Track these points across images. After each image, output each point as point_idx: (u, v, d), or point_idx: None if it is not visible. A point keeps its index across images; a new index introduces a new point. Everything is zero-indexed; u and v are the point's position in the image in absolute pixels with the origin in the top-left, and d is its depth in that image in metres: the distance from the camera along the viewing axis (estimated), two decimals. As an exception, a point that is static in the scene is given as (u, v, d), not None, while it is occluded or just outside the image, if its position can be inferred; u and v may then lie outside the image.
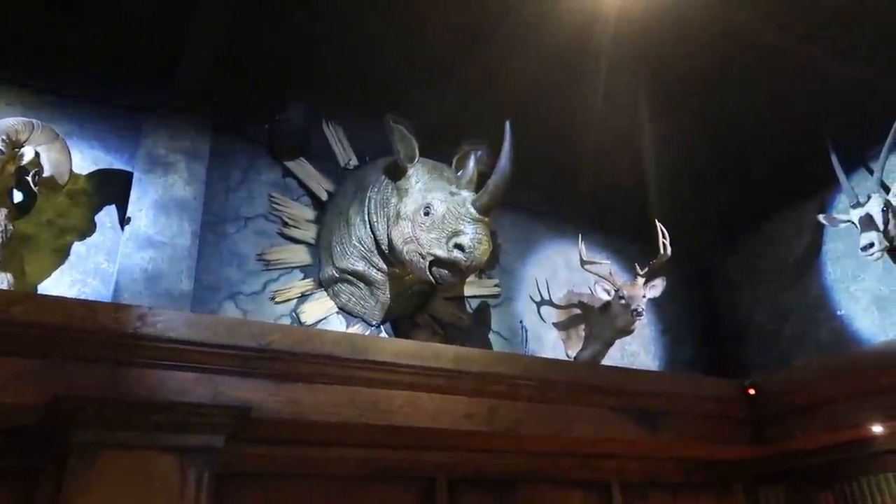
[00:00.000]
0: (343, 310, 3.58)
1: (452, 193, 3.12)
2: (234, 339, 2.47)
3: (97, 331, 2.27)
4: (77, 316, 2.26)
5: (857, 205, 3.84)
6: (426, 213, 3.12)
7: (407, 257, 3.20)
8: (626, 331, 3.99)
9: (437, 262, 3.08)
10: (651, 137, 4.35)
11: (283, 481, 2.85)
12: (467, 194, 3.10)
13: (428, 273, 3.12)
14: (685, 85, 4.01)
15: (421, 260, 3.12)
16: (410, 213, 3.18)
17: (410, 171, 3.31)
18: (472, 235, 2.97)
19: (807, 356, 4.49)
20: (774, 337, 4.79)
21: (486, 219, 3.04)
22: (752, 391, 3.82)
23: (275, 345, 2.54)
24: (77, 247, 3.04)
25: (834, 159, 4.14)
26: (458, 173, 3.40)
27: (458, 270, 3.05)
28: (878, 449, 3.65)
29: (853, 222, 3.86)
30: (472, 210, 3.01)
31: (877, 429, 3.50)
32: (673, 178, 4.68)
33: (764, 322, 4.89)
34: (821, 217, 4.16)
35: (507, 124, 2.99)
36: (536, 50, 3.64)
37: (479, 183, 3.26)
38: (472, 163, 3.33)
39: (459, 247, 2.98)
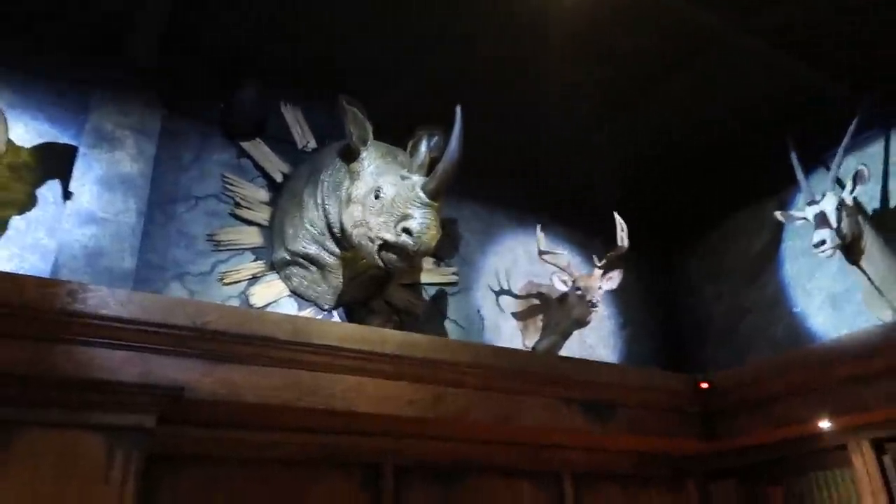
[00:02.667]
0: (295, 293, 3.53)
1: (403, 177, 3.09)
2: (168, 317, 2.42)
3: (23, 305, 2.20)
4: (3, 289, 2.19)
5: (813, 202, 3.86)
6: (376, 197, 3.08)
7: (356, 241, 3.16)
8: (582, 322, 3.99)
9: (385, 246, 3.04)
10: (614, 131, 4.34)
11: (221, 465, 2.80)
12: (417, 178, 3.07)
13: (377, 257, 3.09)
14: (649, 80, 4.01)
15: (370, 244, 3.08)
16: (361, 197, 3.14)
17: (363, 154, 3.27)
18: (420, 220, 2.94)
19: (761, 354, 4.52)
20: (732, 333, 4.82)
21: (436, 203, 3.00)
22: (704, 385, 3.84)
23: (211, 325, 2.49)
24: (16, 221, 2.96)
25: (794, 158, 4.16)
26: (412, 157, 3.36)
27: (407, 255, 3.01)
28: (827, 445, 3.69)
29: (808, 219, 3.88)
30: (422, 194, 2.97)
31: (826, 424, 3.53)
32: (635, 173, 4.69)
33: (723, 318, 4.92)
34: (777, 214, 4.18)
35: (458, 109, 2.96)
36: (497, 41, 3.61)
37: (432, 168, 3.22)
38: (424, 147, 3.29)
39: (407, 231, 2.95)
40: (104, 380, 2.27)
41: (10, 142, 2.84)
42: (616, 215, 4.10)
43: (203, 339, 2.47)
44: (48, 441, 2.16)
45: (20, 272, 2.83)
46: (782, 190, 4.61)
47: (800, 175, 4.13)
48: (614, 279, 4.10)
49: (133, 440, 2.28)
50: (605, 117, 4.30)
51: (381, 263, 3.10)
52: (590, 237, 4.94)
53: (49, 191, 3.08)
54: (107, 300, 2.34)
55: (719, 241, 5.05)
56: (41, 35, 3.22)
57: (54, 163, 3.11)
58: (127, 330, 2.34)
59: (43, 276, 2.83)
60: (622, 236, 4.04)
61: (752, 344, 4.65)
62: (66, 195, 3.03)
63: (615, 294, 4.56)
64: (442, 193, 3.02)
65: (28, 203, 3.00)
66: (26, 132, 3.10)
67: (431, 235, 2.96)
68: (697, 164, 4.67)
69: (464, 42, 3.63)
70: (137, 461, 2.26)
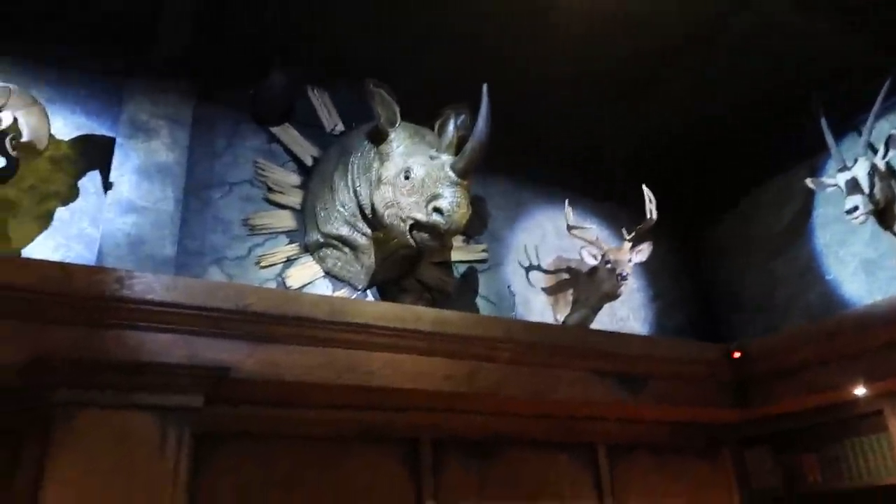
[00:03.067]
0: (329, 274, 3.61)
1: (432, 157, 3.12)
2: (211, 301, 2.50)
3: (75, 293, 2.30)
4: (55, 278, 2.29)
5: (844, 168, 3.82)
6: (406, 178, 3.12)
7: (388, 221, 3.21)
8: (613, 295, 4.01)
9: (417, 225, 3.09)
10: (639, 103, 4.31)
11: (265, 441, 2.90)
12: (446, 158, 3.10)
13: (409, 237, 3.14)
14: (676, 49, 3.97)
15: (401, 224, 3.14)
16: (391, 178, 3.19)
17: (392, 136, 3.31)
18: (450, 199, 2.98)
19: (796, 322, 4.50)
20: (764, 303, 4.80)
21: (465, 182, 3.04)
22: (736, 355, 3.85)
23: (252, 307, 2.57)
24: (61, 212, 3.07)
25: (824, 124, 4.10)
26: (440, 137, 3.39)
27: (438, 234, 3.06)
28: (862, 411, 3.69)
29: (840, 186, 3.83)
30: (451, 173, 3.01)
31: (861, 391, 3.53)
32: (662, 145, 4.65)
33: (754, 288, 4.90)
34: (808, 181, 4.13)
35: (484, 87, 2.98)
36: (519, 16, 3.60)
37: (461, 146, 3.25)
38: (451, 127, 3.32)
39: (438, 210, 2.99)
40: (154, 362, 2.36)
41: (50, 135, 2.92)
42: (644, 188, 4.09)
43: (245, 320, 2.54)
44: (106, 421, 2.27)
45: (68, 262, 2.94)
46: (813, 157, 4.55)
47: (830, 141, 4.07)
48: (644, 252, 4.10)
49: (183, 419, 2.38)
50: (630, 90, 4.27)
51: (413, 243, 3.15)
52: (618, 210, 4.94)
53: (90, 182, 3.17)
54: (152, 286, 2.43)
55: (749, 211, 5.01)
56: (74, 28, 3.30)
57: (94, 154, 3.20)
58: (173, 314, 2.42)
59: (89, 264, 2.94)
60: (651, 208, 4.04)
61: (785, 313, 4.63)
62: (107, 185, 3.12)
63: (645, 266, 4.57)
64: (471, 172, 3.05)
65: (71, 194, 3.11)
66: (65, 125, 3.20)
67: (462, 214, 3.00)
68: (726, 134, 4.62)
69: (485, 19, 3.63)
70: (188, 438, 2.37)
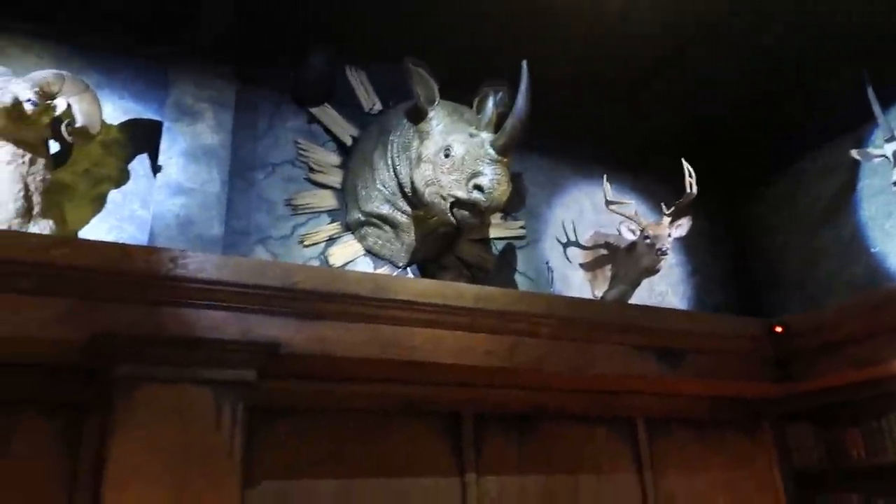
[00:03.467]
0: (370, 252, 3.67)
1: (472, 135, 3.14)
2: (261, 279, 2.57)
3: (132, 272, 2.38)
4: (113, 258, 2.38)
5: (892, 139, 3.73)
6: (446, 156, 3.15)
7: (429, 199, 3.25)
8: (652, 270, 4.00)
9: (457, 203, 3.12)
10: (677, 75, 4.24)
11: (313, 415, 3.00)
12: (486, 135, 3.12)
13: (449, 214, 3.17)
14: (714, 16, 3.88)
15: (442, 202, 3.17)
16: (431, 156, 3.21)
17: (431, 114, 3.33)
18: (490, 176, 3.00)
19: (839, 297, 4.44)
20: (806, 277, 4.73)
21: (505, 159, 3.06)
22: (778, 329, 3.82)
23: (300, 284, 2.63)
24: (113, 194, 3.17)
25: (871, 92, 4.00)
26: (479, 115, 3.40)
27: (479, 211, 3.09)
28: (905, 385, 3.65)
29: (887, 156, 3.75)
30: (491, 151, 3.03)
31: (904, 365, 3.48)
32: (702, 117, 4.58)
33: (796, 262, 4.83)
34: (853, 152, 4.05)
35: (524, 65, 2.97)
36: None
37: (499, 123, 3.26)
38: (490, 104, 3.33)
39: (479, 188, 3.02)
40: (209, 338, 2.44)
41: (102, 120, 3.01)
42: (684, 161, 4.05)
43: (293, 298, 2.61)
44: (164, 395, 2.36)
45: (120, 242, 3.05)
46: (858, 127, 4.44)
47: (877, 110, 3.97)
48: (683, 226, 4.08)
49: (237, 393, 2.47)
50: (666, 63, 4.21)
51: (453, 221, 3.19)
52: (656, 185, 4.90)
53: (139, 165, 3.27)
54: (204, 265, 2.50)
55: (791, 184, 4.92)
56: (120, 14, 3.37)
57: (142, 138, 3.29)
58: (225, 292, 2.50)
59: (142, 244, 3.04)
60: (691, 182, 4.00)
61: (828, 287, 4.57)
62: (155, 168, 3.22)
63: (684, 241, 4.54)
64: (511, 149, 3.06)
65: (122, 177, 3.21)
66: (114, 110, 3.29)
67: (502, 191, 3.02)
68: (767, 105, 4.52)
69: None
70: (242, 411, 2.46)
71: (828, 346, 3.65)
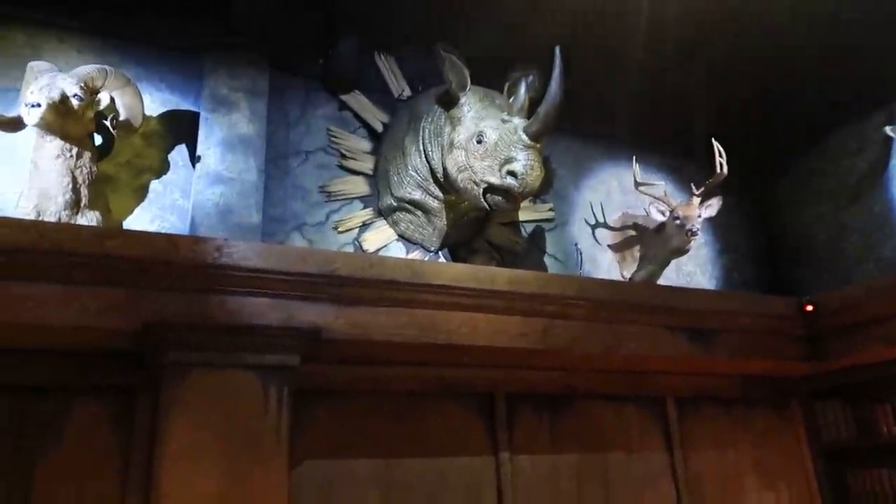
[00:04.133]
0: (403, 237, 3.73)
1: (504, 121, 3.17)
2: (302, 266, 2.64)
3: (179, 262, 2.46)
4: (161, 248, 2.46)
5: (926, 116, 3.69)
6: (479, 142, 3.18)
7: (461, 185, 3.30)
8: (681, 251, 4.02)
9: (490, 189, 3.17)
10: (703, 53, 4.20)
11: (354, 397, 3.09)
12: (519, 121, 3.14)
13: (482, 200, 3.22)
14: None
15: (475, 187, 3.21)
16: (463, 142, 3.25)
17: (462, 100, 3.36)
18: (524, 162, 3.03)
19: (869, 274, 4.43)
20: (836, 255, 4.71)
21: (538, 145, 3.08)
22: (809, 308, 3.83)
23: (339, 271, 2.70)
24: (154, 185, 3.25)
25: (904, 68, 3.95)
26: (510, 100, 3.42)
27: (512, 197, 3.13)
28: (937, 363, 3.65)
29: (921, 134, 3.72)
30: (524, 137, 3.06)
31: (938, 343, 3.49)
32: (730, 95, 4.55)
33: (826, 240, 4.80)
34: (887, 129, 4.01)
35: (557, 50, 2.99)
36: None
37: (531, 109, 3.28)
38: (522, 89, 3.35)
39: (512, 173, 3.05)
40: (254, 324, 2.53)
41: (144, 113, 3.09)
42: (714, 141, 4.04)
43: (333, 284, 2.68)
44: (212, 380, 2.45)
45: (163, 231, 3.14)
46: (891, 102, 4.40)
47: (911, 87, 3.93)
48: (713, 206, 4.07)
49: (282, 377, 2.56)
50: (694, 43, 4.17)
51: (486, 206, 3.23)
52: (683, 165, 4.90)
53: (178, 155, 3.35)
54: (248, 253, 2.58)
55: (821, 160, 4.87)
56: (153, 5, 3.42)
57: (180, 129, 3.36)
58: (268, 279, 2.57)
59: (183, 233, 3.13)
60: (721, 162, 3.99)
61: (858, 265, 4.55)
62: (194, 158, 3.29)
63: (712, 220, 4.53)
64: (544, 135, 3.09)
65: (162, 168, 3.29)
66: (152, 102, 3.36)
67: (536, 176, 3.06)
68: (795, 80, 4.46)
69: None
70: (287, 394, 2.55)
71: (857, 324, 3.66)
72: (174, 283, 2.47)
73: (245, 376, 2.50)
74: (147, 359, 2.58)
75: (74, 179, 2.76)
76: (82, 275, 2.36)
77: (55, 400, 2.59)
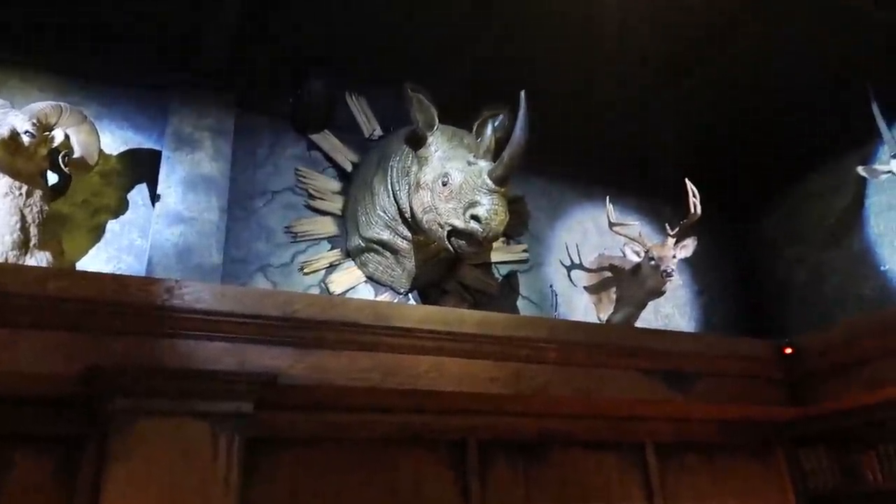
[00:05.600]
0: (371, 279, 3.64)
1: (470, 163, 3.11)
2: (259, 308, 2.53)
3: (128, 303, 2.35)
4: (109, 290, 2.34)
5: (898, 155, 3.69)
6: (444, 184, 3.12)
7: (426, 226, 3.23)
8: (657, 292, 3.94)
9: (454, 232, 3.10)
10: (677, 95, 4.22)
11: (315, 445, 2.93)
12: (484, 164, 3.08)
13: (447, 243, 3.14)
14: (714, 33, 3.85)
15: (440, 229, 3.15)
16: (430, 182, 3.19)
17: (430, 139, 3.32)
18: (488, 207, 2.97)
19: (849, 315, 4.37)
20: (815, 296, 4.67)
21: (503, 189, 3.02)
22: (788, 350, 3.74)
23: (299, 313, 2.59)
24: (111, 224, 3.16)
25: (875, 108, 3.97)
26: (478, 140, 3.37)
27: (476, 241, 3.05)
28: (922, 407, 3.56)
29: (894, 173, 3.71)
30: (489, 181, 2.99)
31: (920, 386, 3.40)
32: (703, 136, 4.56)
33: (804, 281, 4.77)
34: (860, 169, 4.01)
35: (522, 94, 2.95)
36: (551, 15, 3.56)
37: (499, 149, 3.23)
38: (489, 131, 3.29)
39: (476, 218, 2.99)
40: (205, 370, 2.40)
41: (100, 151, 3.01)
42: (687, 182, 4.01)
43: (292, 327, 2.57)
44: (161, 428, 2.31)
45: (118, 272, 3.03)
46: (864, 144, 4.42)
47: (882, 127, 3.94)
48: (688, 247, 4.03)
49: (234, 425, 2.42)
50: (666, 82, 4.19)
51: (451, 249, 3.15)
52: (660, 206, 4.87)
53: (138, 194, 3.26)
54: (201, 294, 2.47)
55: (797, 201, 4.88)
56: (119, 46, 3.39)
57: (141, 167, 3.29)
58: (222, 322, 2.46)
59: (139, 274, 3.02)
60: (694, 203, 3.96)
61: (838, 306, 4.50)
62: (154, 197, 3.20)
63: (690, 261, 4.49)
64: (508, 180, 3.03)
65: (121, 207, 3.20)
66: (113, 140, 3.29)
67: (500, 221, 2.99)
68: (770, 123, 4.50)
69: (519, 18, 3.60)
70: (239, 443, 2.40)
71: (840, 366, 3.57)
72: (122, 326, 2.34)
73: (195, 425, 2.36)
74: (93, 406, 2.43)
75: (24, 218, 2.66)
76: (24, 317, 2.23)
77: (-5, 450, 2.43)
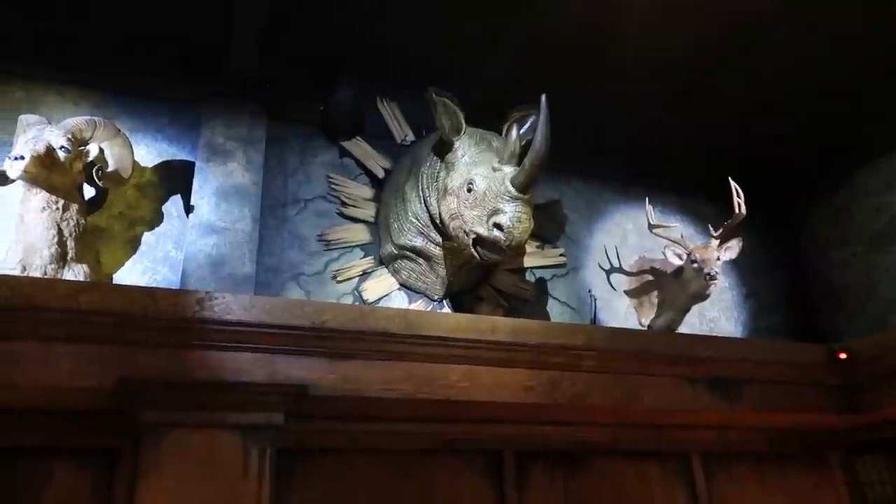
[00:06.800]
0: (404, 286, 3.60)
1: (494, 169, 3.03)
2: (289, 319, 2.51)
3: (158, 316, 2.36)
4: (139, 303, 2.35)
5: (958, 148, 3.48)
6: (469, 190, 3.05)
7: (453, 233, 3.17)
8: (701, 296, 3.79)
9: (479, 240, 3.03)
10: (719, 91, 4.07)
11: (347, 456, 2.90)
12: (508, 170, 2.99)
13: (472, 250, 3.08)
14: (761, 26, 3.69)
15: (465, 236, 3.08)
16: (456, 188, 3.13)
17: (457, 144, 3.25)
18: (510, 214, 2.88)
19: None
20: (868, 298, 4.44)
21: (526, 196, 2.93)
22: (843, 356, 3.56)
23: (329, 323, 2.57)
24: (147, 236, 3.19)
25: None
26: (505, 144, 3.29)
27: (499, 249, 2.97)
28: None
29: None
30: (511, 188, 2.91)
31: None
32: (747, 134, 4.39)
33: (856, 283, 4.54)
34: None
35: (543, 98, 2.86)
36: (583, 12, 3.47)
37: (525, 153, 3.14)
38: (514, 134, 3.19)
39: (498, 226, 2.91)
40: (235, 381, 2.39)
41: (135, 163, 3.04)
42: (731, 181, 3.86)
43: (322, 337, 2.55)
44: (191, 440, 2.31)
45: (154, 284, 3.06)
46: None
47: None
48: (733, 249, 3.87)
49: (265, 436, 2.40)
50: (706, 78, 4.03)
51: (476, 256, 3.08)
52: (702, 206, 4.71)
53: (173, 206, 3.29)
54: (231, 306, 2.46)
55: (847, 200, 4.65)
56: (151, 58, 3.43)
57: (175, 179, 3.32)
58: (252, 333, 2.45)
59: (174, 286, 3.04)
60: (739, 203, 3.80)
61: (891, 309, 4.27)
62: (188, 208, 3.23)
63: (736, 263, 4.32)
64: (531, 186, 2.94)
65: (156, 219, 3.23)
66: (148, 153, 3.33)
67: (523, 229, 2.90)
68: (817, 119, 4.29)
69: (552, 15, 3.51)
70: (270, 455, 2.39)
71: (896, 371, 3.39)
72: (152, 339, 2.35)
73: (226, 437, 2.35)
74: (125, 419, 2.44)
75: (60, 232, 2.70)
76: (58, 331, 2.26)
77: (33, 462, 2.46)
